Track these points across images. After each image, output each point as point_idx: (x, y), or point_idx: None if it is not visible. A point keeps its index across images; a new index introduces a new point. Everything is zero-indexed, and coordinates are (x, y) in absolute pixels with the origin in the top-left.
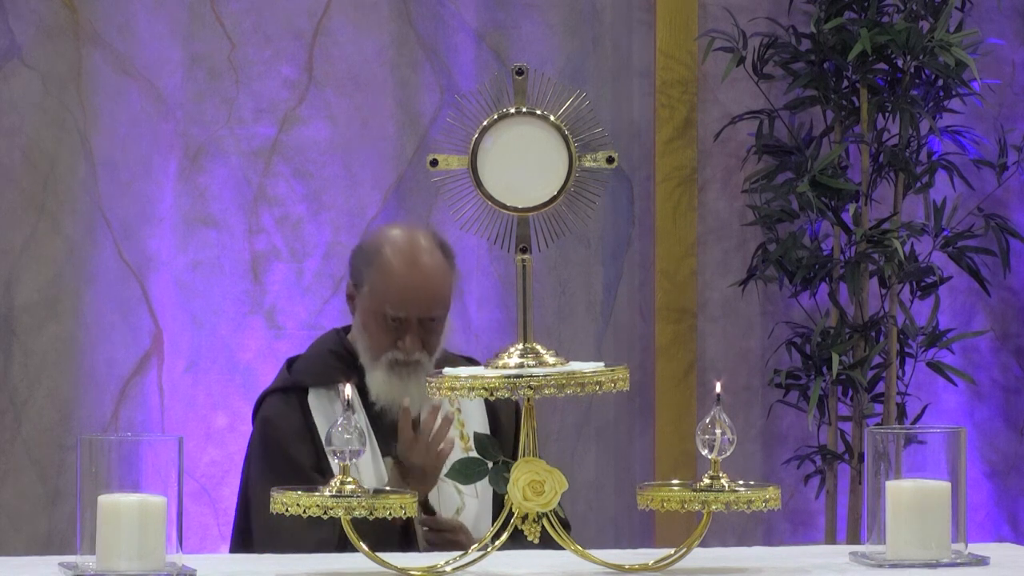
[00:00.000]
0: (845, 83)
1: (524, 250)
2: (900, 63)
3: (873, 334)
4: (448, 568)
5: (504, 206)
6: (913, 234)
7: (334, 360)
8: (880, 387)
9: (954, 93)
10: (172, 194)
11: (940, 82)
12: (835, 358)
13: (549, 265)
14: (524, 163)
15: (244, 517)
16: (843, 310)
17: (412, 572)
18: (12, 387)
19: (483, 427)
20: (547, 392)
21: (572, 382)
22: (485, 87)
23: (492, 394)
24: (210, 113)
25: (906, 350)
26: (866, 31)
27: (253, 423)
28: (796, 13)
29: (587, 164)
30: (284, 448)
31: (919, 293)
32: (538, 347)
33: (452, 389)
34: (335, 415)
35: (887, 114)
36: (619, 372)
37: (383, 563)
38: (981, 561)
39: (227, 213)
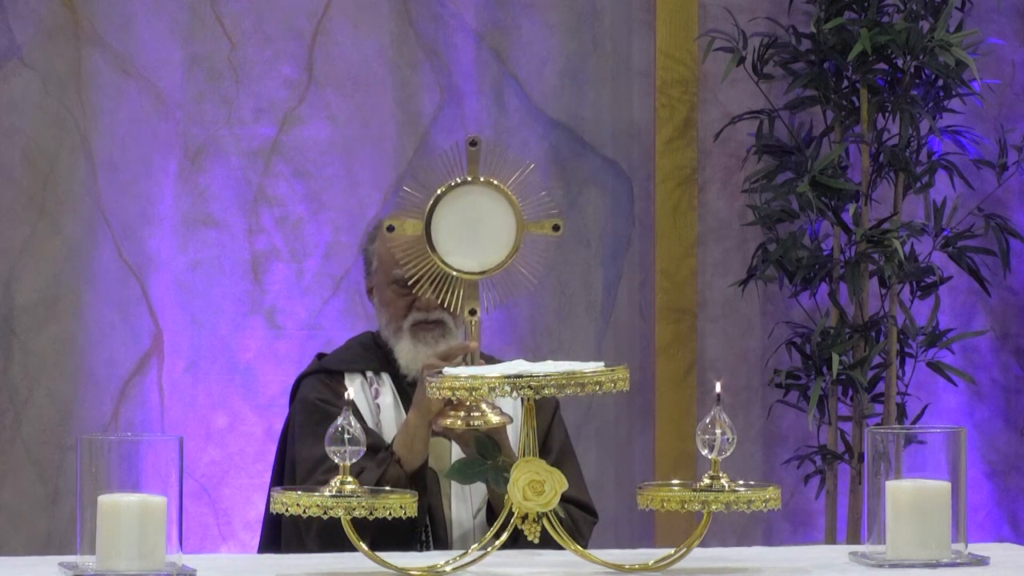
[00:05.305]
0: (845, 83)
1: (473, 312)
2: (900, 63)
3: (873, 334)
4: (448, 568)
5: (456, 270)
6: (913, 234)
7: (363, 350)
8: (880, 387)
9: (954, 93)
10: (172, 194)
11: (940, 82)
12: (835, 358)
13: (549, 265)
14: (475, 229)
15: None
16: (843, 310)
17: (412, 572)
18: (12, 387)
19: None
20: (547, 392)
21: (572, 382)
22: (441, 156)
23: (492, 393)
24: (210, 113)
25: (906, 350)
26: (866, 31)
27: (291, 404)
28: (796, 13)
29: (534, 231)
30: (330, 413)
31: (919, 293)
32: None
33: (452, 389)
34: (368, 399)
35: (887, 114)
36: (619, 372)
37: (383, 563)
38: (981, 561)
39: (227, 213)
